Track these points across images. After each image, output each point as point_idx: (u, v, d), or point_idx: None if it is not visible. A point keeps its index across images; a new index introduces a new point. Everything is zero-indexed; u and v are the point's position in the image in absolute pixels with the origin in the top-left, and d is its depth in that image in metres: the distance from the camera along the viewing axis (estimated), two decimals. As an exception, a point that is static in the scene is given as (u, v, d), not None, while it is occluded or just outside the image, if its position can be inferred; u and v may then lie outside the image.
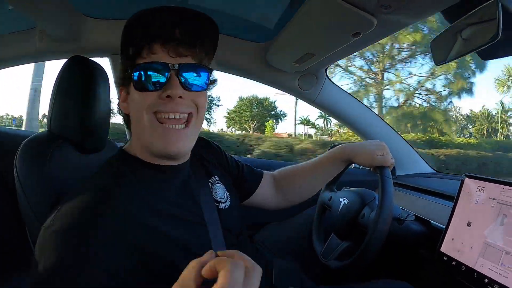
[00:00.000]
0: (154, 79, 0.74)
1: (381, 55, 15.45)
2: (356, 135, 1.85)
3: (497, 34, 0.78)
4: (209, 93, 0.84)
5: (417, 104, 16.98)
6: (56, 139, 0.98)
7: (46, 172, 0.91)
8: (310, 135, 30.16)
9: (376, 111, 6.39)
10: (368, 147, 1.08)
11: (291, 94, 1.70)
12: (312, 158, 1.20)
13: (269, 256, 1.05)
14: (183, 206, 0.80)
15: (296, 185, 1.19)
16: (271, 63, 1.53)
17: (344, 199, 1.14)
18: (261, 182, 1.16)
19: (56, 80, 1.01)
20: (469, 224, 0.92)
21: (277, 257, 1.09)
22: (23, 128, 12.07)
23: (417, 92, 16.00)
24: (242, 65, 1.60)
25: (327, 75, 1.63)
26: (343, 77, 15.99)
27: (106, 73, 1.05)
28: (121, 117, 0.90)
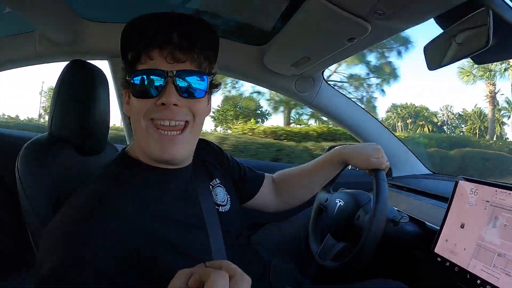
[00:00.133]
0: (150, 87, 0.74)
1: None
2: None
3: (487, 41, 0.79)
4: None
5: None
6: (57, 142, 0.99)
7: (47, 174, 0.92)
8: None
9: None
10: (364, 150, 1.09)
11: (288, 97, 1.71)
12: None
13: (267, 257, 1.07)
14: (183, 209, 0.81)
15: (295, 187, 1.20)
16: (269, 66, 1.54)
17: (339, 201, 1.15)
18: (262, 184, 1.17)
19: (56, 83, 1.02)
20: (462, 226, 0.93)
21: (275, 257, 1.10)
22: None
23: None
24: (240, 68, 1.61)
25: (323, 78, 1.64)
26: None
27: (105, 76, 1.06)
28: (121, 119, 0.91)
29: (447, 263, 0.93)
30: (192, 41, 0.76)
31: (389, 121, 32.09)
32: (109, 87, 1.10)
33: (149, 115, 0.75)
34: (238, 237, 0.94)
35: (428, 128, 31.28)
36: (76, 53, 1.46)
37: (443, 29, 0.97)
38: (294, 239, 1.34)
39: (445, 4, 0.86)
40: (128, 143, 1.70)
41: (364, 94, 10.98)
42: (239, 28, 1.50)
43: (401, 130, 30.55)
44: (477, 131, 27.95)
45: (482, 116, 28.28)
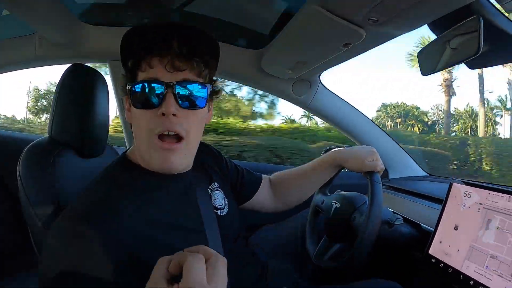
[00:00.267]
0: (149, 97, 0.75)
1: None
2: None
3: (478, 49, 0.81)
4: None
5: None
6: (57, 145, 1.00)
7: (48, 177, 0.93)
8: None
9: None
10: (359, 153, 1.10)
11: (286, 99, 1.71)
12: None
13: (264, 258, 1.08)
14: (182, 214, 0.82)
15: (292, 188, 1.21)
16: (266, 69, 1.54)
17: (335, 203, 1.16)
18: (260, 186, 1.18)
19: (57, 87, 1.03)
20: (456, 228, 0.94)
21: (272, 258, 1.11)
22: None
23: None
24: (238, 72, 1.62)
25: (320, 81, 1.65)
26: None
27: (105, 80, 1.07)
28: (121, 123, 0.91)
29: (441, 265, 0.94)
30: (192, 49, 0.76)
31: (378, 120, 32.14)
32: (109, 90, 1.11)
33: (149, 125, 0.76)
34: (236, 240, 0.95)
35: (418, 127, 31.25)
36: (76, 56, 1.46)
37: (436, 35, 0.99)
38: (291, 240, 1.35)
39: (438, 11, 0.87)
40: (127, 146, 1.71)
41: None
42: (237, 32, 1.51)
43: (391, 130, 30.49)
44: (469, 130, 27.74)
45: (474, 115, 28.12)
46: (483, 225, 0.88)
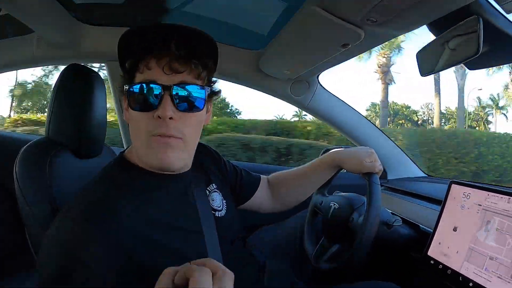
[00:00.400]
0: (147, 100, 0.74)
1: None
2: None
3: (477, 49, 0.80)
4: None
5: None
6: (55, 145, 1.00)
7: (45, 177, 0.93)
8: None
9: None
10: (357, 154, 1.10)
11: (284, 100, 1.71)
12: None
13: (262, 259, 1.07)
14: (181, 215, 0.81)
15: (290, 189, 1.21)
16: (264, 70, 1.54)
17: (334, 204, 1.16)
18: (258, 187, 1.18)
19: (54, 87, 1.03)
20: (455, 229, 0.94)
21: (270, 259, 1.11)
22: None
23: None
24: (235, 72, 1.61)
25: (319, 82, 1.65)
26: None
27: (103, 80, 1.07)
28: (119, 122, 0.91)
29: (440, 266, 0.94)
30: (190, 51, 0.76)
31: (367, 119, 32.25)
32: (106, 90, 1.10)
33: (146, 127, 0.75)
34: (233, 242, 0.95)
35: (407, 126, 31.36)
36: (74, 56, 1.46)
37: (435, 35, 0.99)
38: (290, 241, 1.35)
39: (436, 11, 0.86)
40: (125, 146, 1.71)
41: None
42: (235, 32, 1.51)
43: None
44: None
45: (465, 114, 28.14)
46: (482, 227, 0.88)
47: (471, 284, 0.84)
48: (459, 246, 0.91)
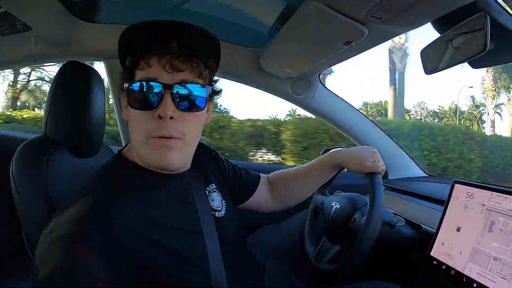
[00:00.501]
0: (147, 98, 0.73)
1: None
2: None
3: (484, 46, 0.79)
4: None
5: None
6: (52, 144, 0.99)
7: (42, 176, 0.92)
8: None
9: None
10: (359, 154, 1.09)
11: (285, 99, 1.70)
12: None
13: (262, 259, 1.07)
14: (180, 215, 0.80)
15: (290, 188, 1.20)
16: (265, 68, 1.53)
17: (335, 204, 1.15)
18: (258, 186, 1.17)
19: (52, 85, 1.02)
20: (458, 229, 0.93)
21: (270, 259, 1.10)
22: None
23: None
24: (236, 70, 1.61)
25: (320, 81, 1.64)
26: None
27: (101, 78, 1.06)
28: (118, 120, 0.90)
29: (443, 267, 0.93)
30: (191, 49, 0.75)
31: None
32: (105, 88, 1.09)
33: (146, 127, 0.74)
34: (233, 242, 0.94)
35: None
36: (72, 54, 1.44)
37: (440, 33, 0.98)
38: (290, 241, 1.34)
39: (442, 8, 0.86)
40: (123, 144, 1.69)
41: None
42: (235, 30, 1.50)
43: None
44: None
45: (458, 113, 28.14)
46: (486, 227, 0.87)
47: (475, 285, 0.83)
48: (462, 246, 0.90)
